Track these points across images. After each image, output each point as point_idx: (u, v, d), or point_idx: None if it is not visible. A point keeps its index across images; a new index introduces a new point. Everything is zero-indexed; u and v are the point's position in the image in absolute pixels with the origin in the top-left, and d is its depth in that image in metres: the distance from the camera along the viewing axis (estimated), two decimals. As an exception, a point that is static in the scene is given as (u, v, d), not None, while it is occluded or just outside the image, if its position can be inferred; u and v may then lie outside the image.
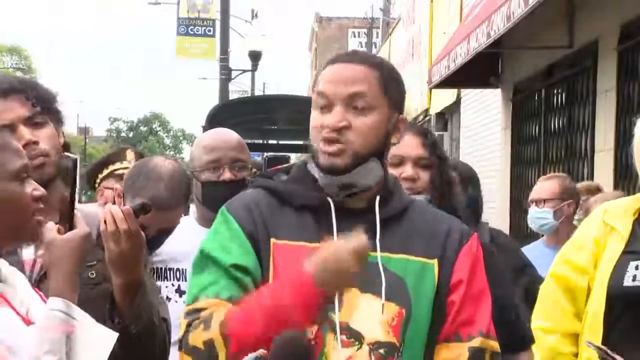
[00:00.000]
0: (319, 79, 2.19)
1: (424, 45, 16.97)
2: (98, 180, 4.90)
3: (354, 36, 42.29)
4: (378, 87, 2.16)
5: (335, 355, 2.06)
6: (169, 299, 3.26)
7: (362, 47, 36.96)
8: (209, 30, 23.75)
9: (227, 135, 3.43)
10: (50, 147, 2.51)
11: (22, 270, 2.29)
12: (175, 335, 3.13)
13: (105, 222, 2.36)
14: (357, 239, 1.95)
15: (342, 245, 1.95)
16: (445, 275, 2.17)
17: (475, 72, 10.89)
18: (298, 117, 10.51)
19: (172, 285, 3.29)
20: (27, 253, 2.46)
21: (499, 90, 11.68)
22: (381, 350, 2.08)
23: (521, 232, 9.65)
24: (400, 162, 2.91)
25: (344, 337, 2.07)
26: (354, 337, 2.08)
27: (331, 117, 2.14)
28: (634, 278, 2.89)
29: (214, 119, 11.14)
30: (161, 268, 3.29)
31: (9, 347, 1.91)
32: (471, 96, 13.99)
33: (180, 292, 3.27)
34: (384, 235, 2.15)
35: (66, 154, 2.33)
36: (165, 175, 2.98)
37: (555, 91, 9.89)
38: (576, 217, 5.04)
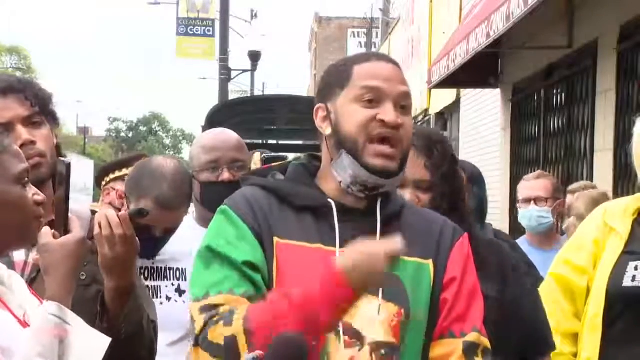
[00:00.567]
0: (357, 72, 2.13)
1: (423, 46, 16.97)
2: (108, 179, 4.92)
3: (354, 36, 42.23)
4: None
5: (337, 355, 2.05)
6: (168, 298, 3.26)
7: (361, 47, 36.93)
8: (209, 30, 23.72)
9: (226, 135, 3.43)
10: (46, 148, 2.51)
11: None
12: (176, 333, 3.16)
13: (100, 226, 2.34)
14: (394, 242, 1.94)
15: (378, 246, 1.95)
16: (440, 274, 2.17)
17: (475, 72, 10.89)
18: (298, 117, 10.50)
19: (172, 284, 3.29)
20: (18, 255, 2.44)
21: (498, 90, 11.68)
22: (382, 351, 2.08)
23: (521, 232, 9.63)
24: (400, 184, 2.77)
25: (346, 337, 2.07)
26: (356, 337, 2.07)
27: (390, 113, 2.10)
28: (633, 278, 2.89)
29: (214, 119, 11.10)
30: (161, 268, 3.29)
31: (4, 350, 1.90)
32: (471, 96, 14.00)
33: (180, 291, 3.27)
34: (384, 236, 2.14)
35: (60, 158, 2.30)
36: (168, 174, 2.99)
37: (554, 91, 9.89)
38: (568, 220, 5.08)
